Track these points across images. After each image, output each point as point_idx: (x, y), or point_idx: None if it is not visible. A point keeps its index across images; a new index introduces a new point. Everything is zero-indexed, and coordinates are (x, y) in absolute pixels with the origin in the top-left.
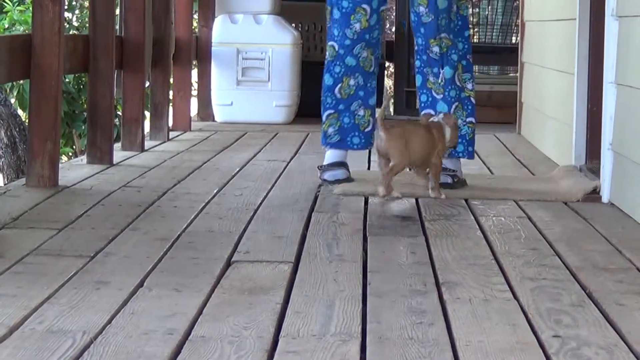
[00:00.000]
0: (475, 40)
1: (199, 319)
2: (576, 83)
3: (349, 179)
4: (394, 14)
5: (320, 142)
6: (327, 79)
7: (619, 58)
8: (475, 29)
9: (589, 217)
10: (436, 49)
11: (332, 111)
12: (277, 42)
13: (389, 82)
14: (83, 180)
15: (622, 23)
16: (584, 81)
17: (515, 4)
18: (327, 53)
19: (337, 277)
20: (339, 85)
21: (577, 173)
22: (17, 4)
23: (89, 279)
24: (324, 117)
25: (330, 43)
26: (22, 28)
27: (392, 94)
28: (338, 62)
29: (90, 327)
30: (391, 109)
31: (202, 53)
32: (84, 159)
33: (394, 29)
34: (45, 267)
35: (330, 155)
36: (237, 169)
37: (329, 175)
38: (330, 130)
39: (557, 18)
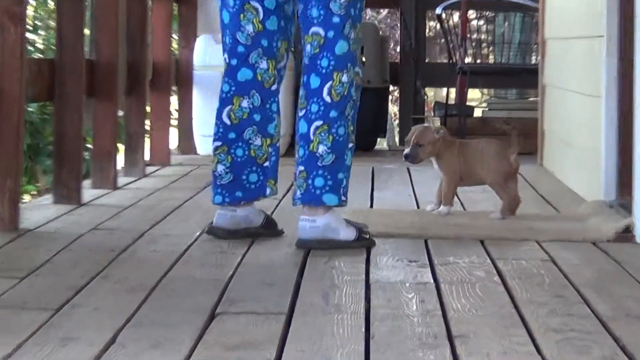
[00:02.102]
0: (490, 61)
1: None
2: (604, 108)
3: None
4: (398, 31)
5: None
6: (219, 102)
7: None
8: (491, 48)
9: (621, 260)
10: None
11: (219, 143)
12: None
13: (393, 109)
14: (48, 222)
15: None
16: (612, 105)
17: (534, 20)
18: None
19: (336, 330)
20: (228, 107)
21: (606, 209)
22: None
23: (55, 334)
24: (212, 152)
25: (223, 56)
26: None
27: (397, 121)
28: (228, 79)
29: None
30: (396, 139)
31: (182, 77)
32: (49, 197)
33: (398, 49)
34: (5, 321)
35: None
36: None
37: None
38: (220, 168)
39: (582, 35)
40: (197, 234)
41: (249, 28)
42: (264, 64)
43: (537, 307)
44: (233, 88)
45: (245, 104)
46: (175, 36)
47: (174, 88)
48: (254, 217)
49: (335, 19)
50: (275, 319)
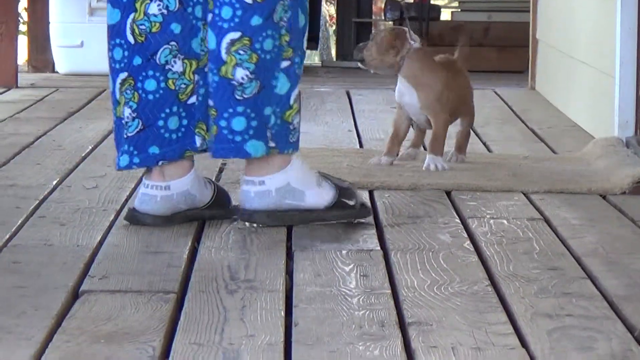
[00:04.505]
0: None
1: None
2: (619, 10)
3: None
4: None
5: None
6: (112, 12)
7: None
8: None
9: None
10: None
11: (125, 74)
12: None
13: (328, 10)
14: None
15: None
16: (631, 5)
17: None
18: None
19: (245, 314)
20: (131, 15)
21: (622, 150)
22: None
23: None
24: (113, 95)
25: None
26: None
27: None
28: None
29: None
30: (332, 52)
31: None
32: None
33: None
34: None
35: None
36: (90, 147)
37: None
38: (127, 112)
39: None
40: (55, 182)
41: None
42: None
43: (523, 284)
44: None
45: (154, 9)
46: None
47: None
48: (198, 191)
49: None
50: (163, 300)
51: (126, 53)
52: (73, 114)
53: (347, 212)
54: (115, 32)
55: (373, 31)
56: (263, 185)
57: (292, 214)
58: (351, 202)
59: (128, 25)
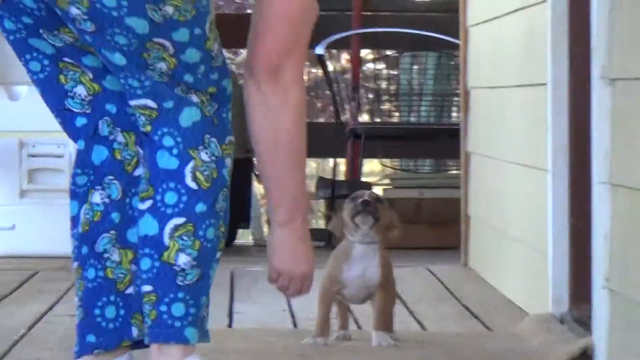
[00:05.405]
0: (394, 119)
1: None
2: (551, 185)
3: None
4: None
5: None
6: (71, 204)
7: (614, 144)
8: (394, 102)
9: None
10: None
11: (76, 263)
12: None
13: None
14: None
15: (617, 89)
16: (562, 181)
17: (453, 62)
18: None
19: None
20: (83, 207)
21: (556, 326)
22: None
23: None
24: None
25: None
26: None
27: (265, 206)
28: (80, 168)
29: None
30: (264, 230)
31: None
32: None
33: None
34: None
35: None
36: (23, 331)
37: None
38: (76, 300)
39: (520, 83)
40: None
41: (79, 91)
42: (120, 138)
43: None
44: (92, 177)
45: (97, 198)
46: None
47: None
48: None
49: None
50: None
51: (76, 243)
52: (4, 298)
53: None
54: (73, 223)
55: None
56: None
57: None
58: None
59: (81, 216)
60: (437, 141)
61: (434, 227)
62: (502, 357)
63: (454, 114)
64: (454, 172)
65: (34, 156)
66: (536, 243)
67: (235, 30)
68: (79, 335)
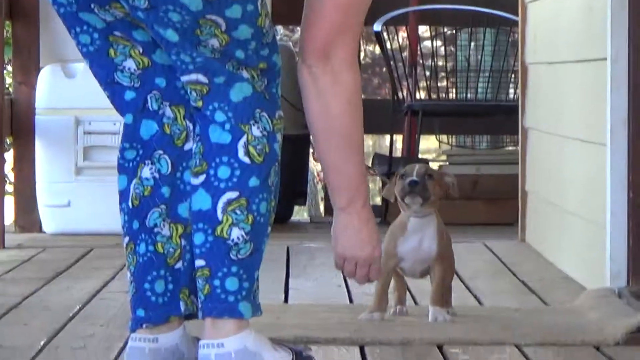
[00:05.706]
0: (451, 96)
1: None
2: (609, 160)
3: None
4: None
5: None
6: (120, 178)
7: None
8: (451, 79)
9: None
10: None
11: (127, 238)
12: None
13: (316, 166)
14: None
15: None
16: (621, 156)
17: (510, 38)
18: None
19: None
20: (133, 182)
21: (614, 301)
22: None
23: None
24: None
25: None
26: None
27: (322, 182)
28: (127, 142)
29: None
30: (321, 208)
31: (20, 126)
32: None
33: None
34: None
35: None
36: (78, 307)
37: None
38: (128, 276)
39: (579, 58)
40: (42, 343)
41: (130, 64)
42: (169, 113)
43: None
44: (140, 152)
45: (147, 172)
46: (9, 67)
47: (9, 140)
48: (187, 348)
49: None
50: None
51: (127, 217)
52: (60, 274)
53: None
54: (122, 198)
55: (405, 170)
56: (222, 348)
57: None
58: None
59: (131, 191)
60: (494, 118)
61: (490, 203)
62: (559, 331)
63: (511, 91)
64: (511, 148)
65: (89, 133)
66: (594, 218)
67: (292, 6)
68: (132, 310)
